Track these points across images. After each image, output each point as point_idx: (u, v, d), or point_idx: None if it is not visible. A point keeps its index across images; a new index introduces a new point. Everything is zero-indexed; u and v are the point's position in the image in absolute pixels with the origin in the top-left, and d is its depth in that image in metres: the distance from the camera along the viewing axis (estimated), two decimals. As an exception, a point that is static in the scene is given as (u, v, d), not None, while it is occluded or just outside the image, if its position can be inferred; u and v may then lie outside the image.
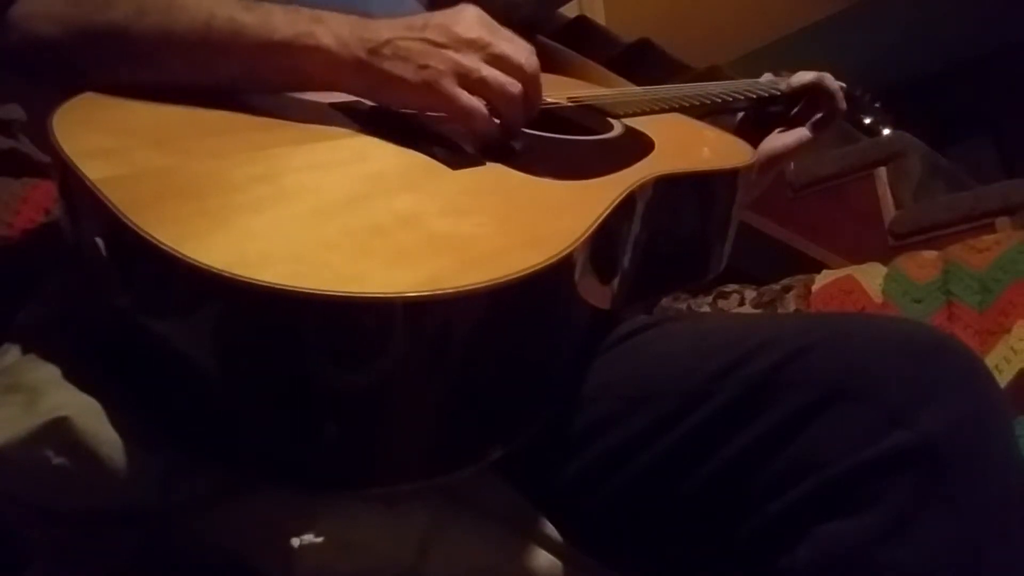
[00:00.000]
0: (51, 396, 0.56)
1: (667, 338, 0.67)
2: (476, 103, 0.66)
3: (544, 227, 0.60)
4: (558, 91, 0.91)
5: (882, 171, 2.24)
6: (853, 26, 4.05)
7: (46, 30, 0.67)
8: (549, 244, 0.55)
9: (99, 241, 0.53)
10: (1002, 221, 1.95)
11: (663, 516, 0.60)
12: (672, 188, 0.74)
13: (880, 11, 4.00)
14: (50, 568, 0.58)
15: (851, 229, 2.22)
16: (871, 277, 1.42)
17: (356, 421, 0.51)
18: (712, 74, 2.41)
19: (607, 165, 0.72)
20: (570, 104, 0.89)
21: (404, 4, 0.89)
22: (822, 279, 1.49)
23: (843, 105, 1.04)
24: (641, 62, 2.81)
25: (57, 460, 0.54)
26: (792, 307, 1.47)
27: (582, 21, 3.27)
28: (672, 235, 0.77)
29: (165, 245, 0.48)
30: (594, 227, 0.59)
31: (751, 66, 1.32)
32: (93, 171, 0.54)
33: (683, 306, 1.60)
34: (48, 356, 0.59)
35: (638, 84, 1.18)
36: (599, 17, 3.60)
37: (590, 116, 0.88)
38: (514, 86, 0.67)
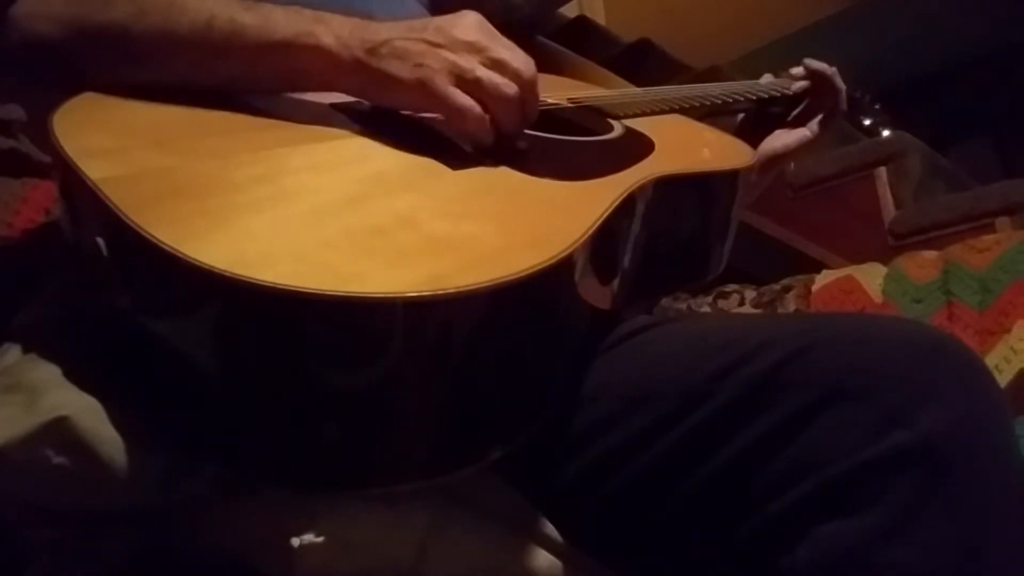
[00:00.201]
0: (51, 396, 0.56)
1: (667, 338, 0.67)
2: (470, 102, 0.66)
3: (544, 227, 0.60)
4: (558, 92, 0.91)
5: (882, 171, 2.24)
6: (853, 26, 4.05)
7: (46, 30, 0.67)
8: (549, 244, 0.55)
9: (99, 241, 0.53)
10: (1002, 221, 1.94)
11: (663, 516, 0.60)
12: (672, 189, 0.74)
13: (880, 11, 4.00)
14: (50, 568, 0.58)
15: (851, 229, 2.22)
16: (871, 277, 1.42)
17: (356, 421, 0.51)
18: (712, 74, 2.41)
19: (607, 166, 0.72)
20: (570, 105, 0.89)
21: (406, 6, 0.89)
22: (822, 279, 1.49)
23: (844, 105, 1.04)
24: (641, 62, 2.81)
25: (57, 460, 0.54)
26: (792, 307, 1.47)
27: (582, 21, 3.27)
28: (672, 236, 0.77)
29: (165, 244, 0.48)
30: (594, 228, 0.59)
31: (751, 66, 1.32)
32: (94, 171, 0.54)
33: (683, 306, 1.60)
34: (48, 356, 0.59)
35: (638, 84, 1.18)
36: (599, 17, 3.60)
37: (590, 117, 0.88)
38: (510, 88, 0.67)
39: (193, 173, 0.57)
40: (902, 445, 0.52)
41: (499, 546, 0.61)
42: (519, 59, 0.68)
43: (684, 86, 1.04)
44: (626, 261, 0.69)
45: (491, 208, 0.62)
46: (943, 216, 2.05)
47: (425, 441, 0.54)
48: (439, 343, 0.51)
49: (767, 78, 1.08)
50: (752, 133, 1.02)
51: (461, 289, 0.49)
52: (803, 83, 1.05)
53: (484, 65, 0.66)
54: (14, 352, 0.61)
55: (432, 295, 0.48)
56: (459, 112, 0.66)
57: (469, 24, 0.68)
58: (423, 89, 0.65)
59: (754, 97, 1.04)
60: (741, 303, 1.56)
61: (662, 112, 0.95)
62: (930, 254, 1.42)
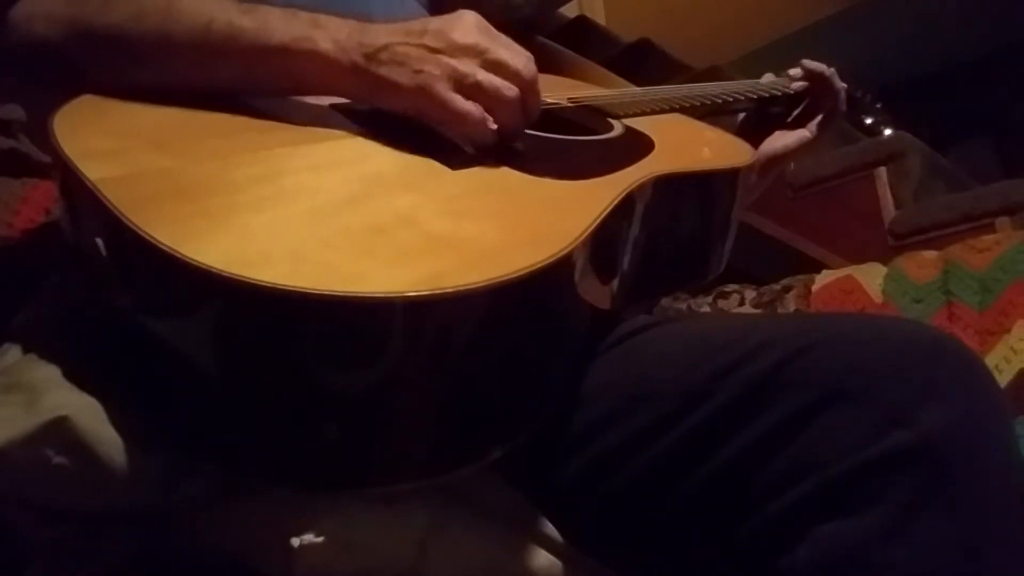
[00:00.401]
0: (51, 396, 0.56)
1: (667, 338, 0.67)
2: (470, 107, 0.66)
3: (544, 226, 0.60)
4: (558, 91, 0.91)
5: (882, 171, 2.23)
6: (853, 26, 4.05)
7: (46, 31, 0.68)
8: (549, 243, 0.55)
9: (99, 241, 0.53)
10: (1002, 221, 1.94)
11: (663, 516, 0.60)
12: (672, 188, 0.74)
13: (880, 11, 4.00)
14: (50, 568, 0.58)
15: (851, 229, 2.22)
16: (871, 277, 1.42)
17: (356, 420, 0.51)
18: (712, 74, 2.41)
19: (607, 165, 0.72)
20: (570, 104, 0.89)
21: (405, 6, 0.89)
22: (822, 279, 1.49)
23: (844, 106, 1.04)
24: (641, 62, 2.81)
25: (57, 460, 0.54)
26: (792, 307, 1.47)
27: (582, 21, 3.27)
28: (672, 235, 0.77)
29: (164, 245, 0.48)
30: (594, 226, 0.59)
31: (751, 66, 1.32)
32: (93, 171, 0.54)
33: (683, 306, 1.60)
34: (48, 356, 0.59)
35: (638, 84, 1.18)
36: (599, 17, 3.60)
37: (590, 116, 0.88)
38: (510, 90, 0.67)
39: (193, 174, 0.57)
40: (902, 445, 0.52)
41: (499, 546, 0.61)
42: (519, 59, 0.68)
43: (684, 85, 1.04)
44: (626, 260, 0.69)
45: (491, 207, 0.62)
46: (943, 216, 2.05)
47: (425, 440, 0.54)
48: (439, 342, 0.51)
49: (768, 77, 1.08)
50: (753, 133, 1.02)
51: (461, 288, 0.49)
52: (802, 83, 1.05)
53: (484, 68, 0.66)
54: (14, 352, 0.61)
55: (432, 294, 0.48)
56: (460, 117, 0.66)
57: (467, 26, 0.67)
58: (423, 95, 0.65)
59: (754, 96, 1.04)
60: (741, 303, 1.56)
61: (662, 111, 0.95)
62: (930, 254, 1.42)
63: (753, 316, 1.42)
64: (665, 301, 1.50)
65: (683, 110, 0.97)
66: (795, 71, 1.05)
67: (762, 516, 0.55)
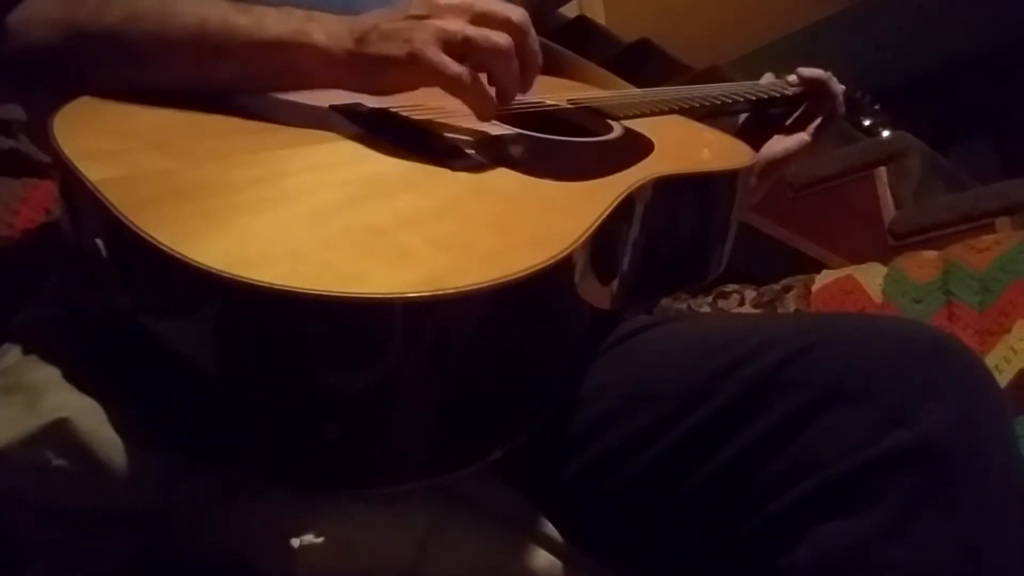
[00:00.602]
0: (51, 397, 0.56)
1: (667, 338, 0.67)
2: (463, 69, 0.64)
3: (544, 227, 0.60)
4: (558, 93, 0.91)
5: (882, 171, 2.24)
6: (853, 26, 4.05)
7: (44, 35, 0.68)
8: (549, 244, 0.55)
9: (99, 242, 0.53)
10: (1002, 221, 1.95)
11: (663, 516, 0.60)
12: (672, 189, 0.74)
13: (880, 11, 4.00)
14: (50, 568, 0.58)
15: (851, 229, 2.22)
16: (871, 277, 1.42)
17: (356, 420, 0.51)
18: (712, 74, 2.41)
19: (607, 166, 0.72)
20: (570, 106, 0.89)
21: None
22: (822, 279, 1.49)
23: (842, 109, 1.04)
24: (641, 62, 2.81)
25: (57, 461, 0.54)
26: (792, 307, 1.47)
27: (582, 21, 3.27)
28: (672, 236, 0.77)
29: (164, 245, 0.48)
30: (594, 227, 0.59)
31: (751, 66, 1.32)
32: (93, 172, 0.54)
33: (683, 306, 1.60)
34: (48, 357, 0.59)
35: (638, 84, 1.18)
36: (599, 17, 3.60)
37: (590, 118, 0.88)
38: (502, 37, 0.65)
39: (192, 175, 0.57)
40: (902, 445, 0.52)
41: (499, 546, 0.61)
42: (507, 7, 0.67)
43: (683, 87, 1.04)
44: (626, 261, 0.69)
45: (491, 209, 0.62)
46: (943, 216, 2.05)
47: (425, 441, 0.54)
48: (438, 343, 0.51)
49: (768, 77, 1.08)
50: (753, 135, 1.02)
51: (461, 289, 0.49)
52: (799, 88, 1.05)
53: (472, 23, 0.65)
54: (14, 353, 0.61)
55: (432, 295, 0.48)
56: (455, 80, 0.64)
57: None
58: (416, 63, 0.64)
59: (753, 98, 1.04)
60: (741, 303, 1.56)
61: (661, 113, 0.95)
62: (930, 254, 1.42)
63: (753, 316, 1.42)
64: (665, 301, 1.50)
65: (682, 112, 0.97)
66: (792, 78, 1.05)
67: (762, 516, 0.55)
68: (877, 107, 1.24)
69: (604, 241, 0.62)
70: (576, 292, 0.60)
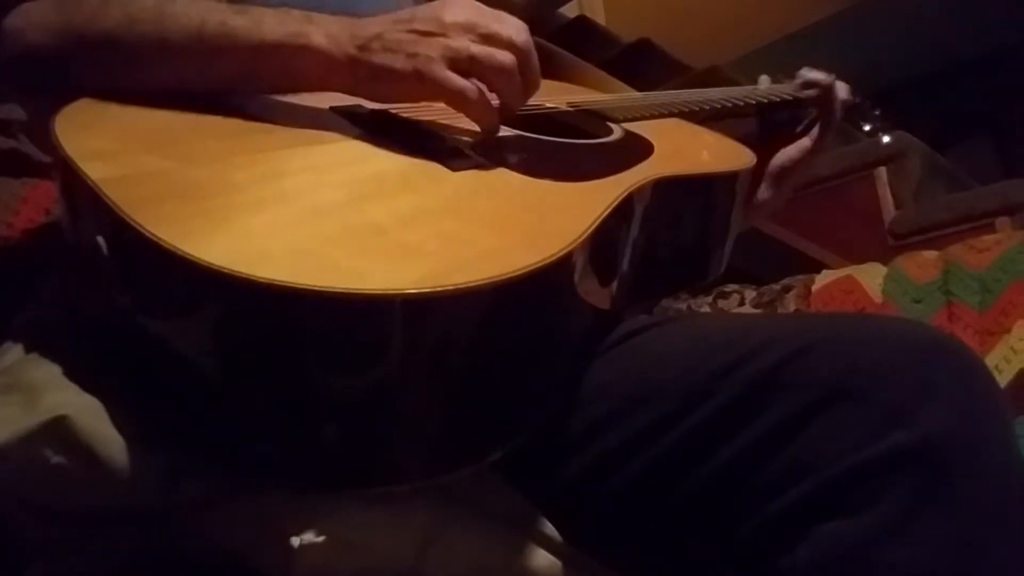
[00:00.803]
0: (50, 395, 0.56)
1: (667, 338, 0.67)
2: (467, 84, 0.66)
3: (544, 227, 0.60)
4: (558, 96, 0.91)
5: (882, 171, 2.24)
6: (853, 26, 4.05)
7: (40, 41, 0.68)
8: (548, 244, 0.55)
9: (100, 240, 0.53)
10: (1002, 221, 1.95)
11: (663, 516, 0.60)
12: (671, 190, 0.74)
13: (880, 11, 4.00)
14: (50, 568, 0.58)
15: (851, 229, 2.22)
16: (871, 277, 1.42)
17: (356, 417, 0.51)
18: (712, 74, 2.41)
19: (606, 167, 0.72)
20: (570, 109, 0.89)
21: (396, 3, 0.89)
22: (822, 279, 1.49)
23: (840, 113, 1.03)
24: (641, 62, 2.81)
25: (56, 459, 0.54)
26: (792, 307, 1.47)
27: (582, 21, 3.27)
28: (671, 237, 0.77)
29: (165, 243, 0.48)
30: (593, 227, 0.59)
31: (751, 66, 1.32)
32: (94, 171, 0.54)
33: (683, 306, 1.60)
34: (48, 356, 0.59)
35: (638, 84, 1.17)
36: (599, 17, 3.60)
37: (590, 120, 0.88)
38: (506, 56, 0.67)
39: (193, 175, 0.57)
40: (902, 445, 0.52)
41: (499, 546, 0.61)
42: (511, 27, 0.68)
43: (684, 90, 1.04)
44: (625, 261, 0.69)
45: (490, 208, 0.62)
46: (943, 216, 2.05)
47: (425, 440, 0.54)
48: (438, 340, 0.51)
49: (764, 80, 1.08)
50: (759, 141, 1.01)
51: (460, 286, 0.49)
52: (811, 92, 1.03)
53: (476, 42, 0.66)
54: (14, 352, 0.61)
55: (431, 292, 0.48)
56: (459, 94, 0.66)
57: (456, 5, 0.68)
58: (420, 78, 0.65)
59: (754, 102, 1.04)
60: (741, 303, 1.56)
61: (661, 116, 0.95)
62: (930, 254, 1.42)
63: (753, 316, 1.42)
64: (665, 301, 1.50)
65: (682, 115, 0.97)
66: (802, 77, 1.04)
67: (762, 516, 0.55)
68: (877, 112, 1.24)
69: (604, 241, 0.62)
70: (576, 291, 0.60)
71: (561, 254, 0.55)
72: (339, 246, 0.52)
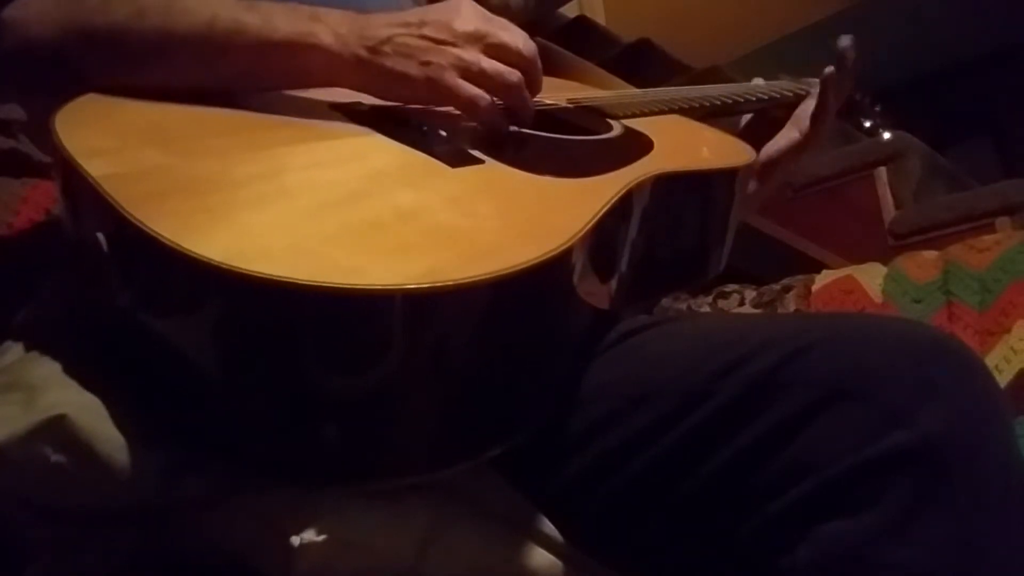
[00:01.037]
0: (50, 394, 0.56)
1: (667, 338, 0.67)
2: (479, 92, 0.68)
3: (543, 223, 0.60)
4: (558, 93, 0.91)
5: (882, 171, 2.23)
6: (853, 26, 4.02)
7: (41, 33, 0.67)
8: (548, 239, 0.55)
9: (100, 237, 0.53)
10: (1002, 221, 1.95)
11: (663, 516, 0.60)
12: (670, 186, 0.74)
13: (880, 11, 4.00)
14: (50, 567, 0.58)
15: (851, 229, 2.22)
16: (871, 277, 1.42)
17: (355, 413, 0.51)
18: (712, 74, 2.40)
19: (606, 164, 0.72)
20: (569, 105, 0.89)
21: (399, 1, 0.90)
22: (822, 279, 1.49)
23: (835, 105, 1.03)
24: (641, 62, 2.81)
25: (55, 458, 0.54)
26: (792, 307, 1.47)
27: (582, 21, 3.27)
28: (671, 234, 0.77)
29: (165, 239, 0.48)
30: (593, 223, 0.59)
31: (751, 66, 1.32)
32: (95, 168, 0.54)
33: (683, 306, 1.60)
34: (48, 354, 0.59)
35: (638, 84, 1.17)
36: (599, 17, 3.60)
37: (589, 117, 0.88)
38: (513, 74, 0.70)
39: (194, 171, 0.57)
40: (902, 445, 0.52)
41: (499, 546, 0.61)
42: (518, 39, 0.70)
43: (683, 87, 1.04)
44: (624, 259, 0.69)
45: (490, 204, 0.62)
46: (943, 216, 2.05)
47: (424, 434, 0.54)
48: (438, 335, 0.51)
49: (757, 82, 1.08)
50: (756, 137, 1.01)
51: (459, 281, 0.49)
52: (801, 90, 1.02)
53: (486, 54, 0.69)
54: (15, 351, 0.61)
55: (430, 287, 0.48)
56: (470, 103, 0.68)
57: (466, 14, 0.69)
58: (433, 85, 0.68)
59: (754, 99, 1.04)
60: (741, 303, 1.56)
61: (661, 113, 0.95)
62: (930, 254, 1.42)
63: (753, 316, 1.42)
64: (665, 301, 1.50)
65: (682, 112, 0.97)
66: (813, 79, 1.03)
67: (762, 516, 0.55)
68: (877, 108, 1.24)
69: (603, 237, 0.62)
70: (575, 288, 0.60)
71: (561, 249, 0.55)
72: (339, 242, 0.52)
